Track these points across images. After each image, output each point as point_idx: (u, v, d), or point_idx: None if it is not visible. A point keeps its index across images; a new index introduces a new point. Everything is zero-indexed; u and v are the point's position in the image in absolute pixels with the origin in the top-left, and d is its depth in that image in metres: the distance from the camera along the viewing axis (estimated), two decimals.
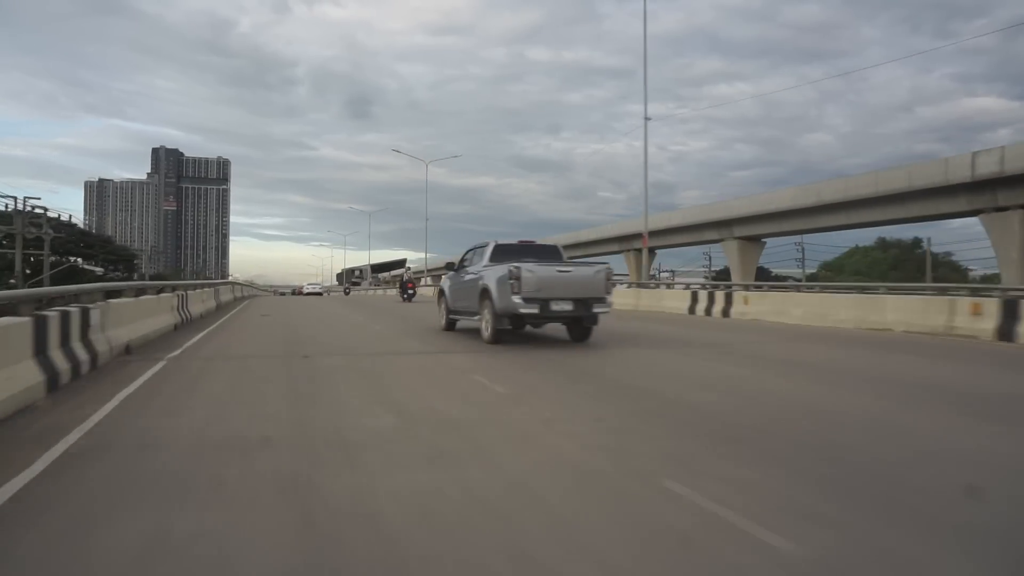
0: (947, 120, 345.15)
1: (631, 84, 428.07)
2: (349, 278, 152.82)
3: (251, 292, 45.58)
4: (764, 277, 53.57)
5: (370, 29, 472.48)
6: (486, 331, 9.55)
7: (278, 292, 76.06)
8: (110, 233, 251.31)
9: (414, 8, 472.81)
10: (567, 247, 67.53)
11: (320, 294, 55.58)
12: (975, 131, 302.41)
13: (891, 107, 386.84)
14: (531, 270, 8.91)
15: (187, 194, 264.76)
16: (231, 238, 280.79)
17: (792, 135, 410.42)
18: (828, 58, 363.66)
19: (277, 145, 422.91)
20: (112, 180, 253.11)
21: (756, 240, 46.18)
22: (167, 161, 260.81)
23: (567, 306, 9.04)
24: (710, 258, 60.94)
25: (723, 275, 65.75)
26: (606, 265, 9.55)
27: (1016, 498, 3.14)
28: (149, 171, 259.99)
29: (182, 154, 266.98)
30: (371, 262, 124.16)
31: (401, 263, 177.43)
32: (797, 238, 49.89)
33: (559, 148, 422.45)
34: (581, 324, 9.72)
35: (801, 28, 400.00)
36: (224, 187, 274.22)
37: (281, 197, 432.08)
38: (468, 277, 10.55)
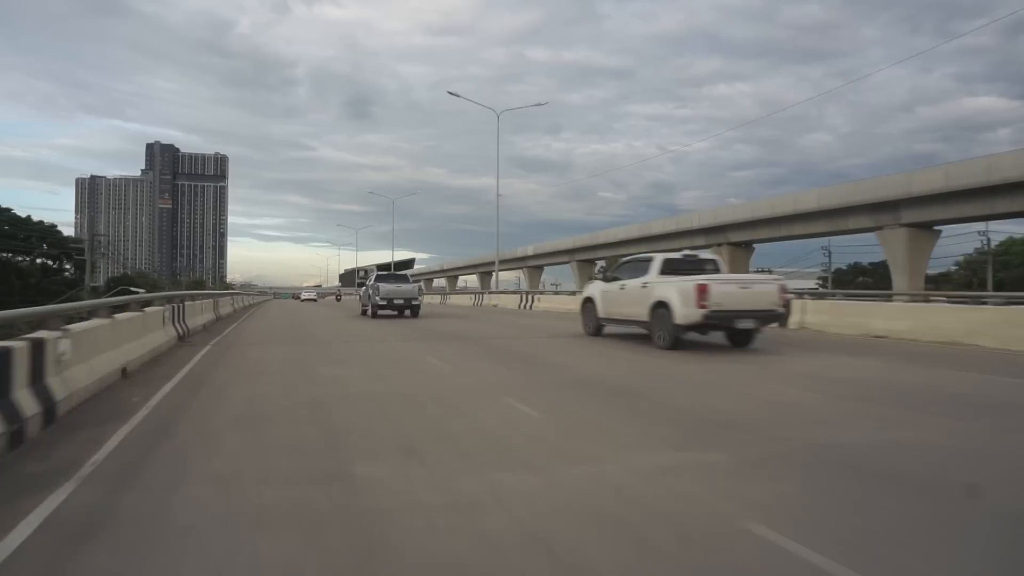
0: (947, 120, 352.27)
1: (631, 84, 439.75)
2: (353, 280, 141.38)
3: (246, 302, 34.71)
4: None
5: (370, 29, 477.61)
6: (368, 311, 21.50)
7: (279, 295, 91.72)
8: (102, 233, 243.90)
9: (414, 8, 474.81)
10: (635, 241, 54.87)
11: (315, 300, 64.63)
12: (975, 131, 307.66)
13: (891, 107, 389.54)
14: (384, 286, 20.33)
15: (183, 192, 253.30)
16: (230, 239, 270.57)
17: (792, 135, 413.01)
18: (828, 58, 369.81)
19: (277, 146, 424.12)
20: (105, 177, 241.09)
21: (929, 228, 33.91)
22: (162, 157, 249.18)
23: (400, 301, 20.09)
24: (830, 254, 48.43)
25: (839, 277, 53.19)
26: (419, 284, 25.23)
27: None
28: (144, 168, 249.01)
29: (178, 150, 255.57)
30: (386, 261, 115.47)
31: (410, 263, 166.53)
32: (980, 226, 37.46)
33: (559, 148, 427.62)
34: (411, 309, 20.34)
35: (801, 28, 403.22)
36: (222, 184, 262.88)
37: (281, 198, 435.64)
38: (365, 288, 23.08)
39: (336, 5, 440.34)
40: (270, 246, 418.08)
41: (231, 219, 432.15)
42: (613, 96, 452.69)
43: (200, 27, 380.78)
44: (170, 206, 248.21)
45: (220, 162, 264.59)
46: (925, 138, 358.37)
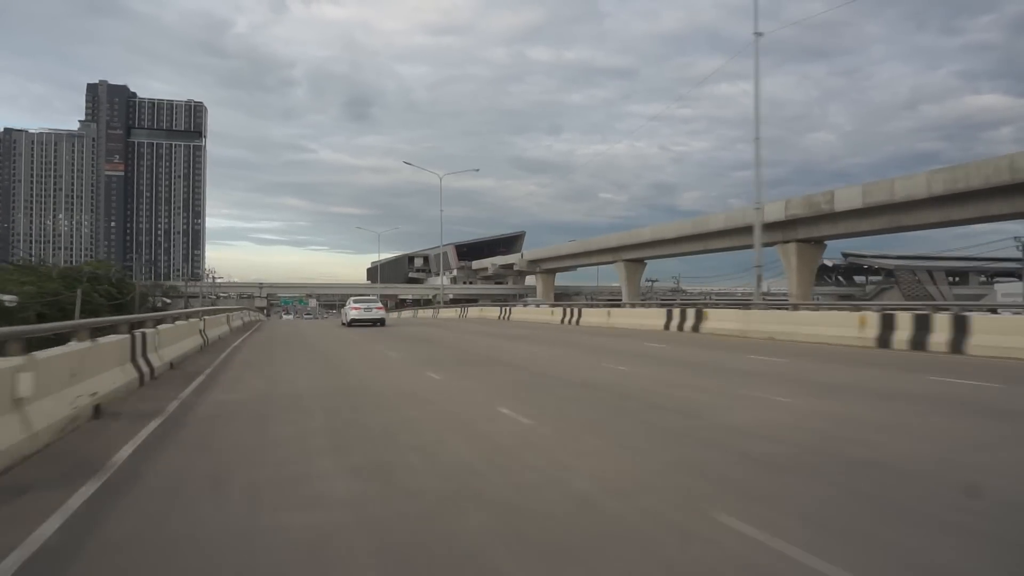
0: (951, 118, 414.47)
1: (633, 84, 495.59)
2: (401, 274, 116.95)
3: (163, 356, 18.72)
4: None
5: (369, 29, 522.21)
6: (344, 323, 38.53)
7: (278, 304, 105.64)
8: (23, 208, 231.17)
9: (413, 7, 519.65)
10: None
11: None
12: (978, 129, 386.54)
13: (895, 105, 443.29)
14: (352, 305, 38.01)
15: (141, 153, 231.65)
16: (228, 242, 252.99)
17: (794, 134, 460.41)
18: (831, 56, 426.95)
19: (275, 148, 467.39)
20: (26, 131, 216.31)
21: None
22: (110, 104, 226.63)
23: (368, 319, 36.45)
24: None
25: None
26: (382, 307, 42.29)
27: None
28: (84, 118, 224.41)
29: (134, 95, 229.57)
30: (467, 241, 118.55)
31: (516, 241, 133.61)
32: None
33: (560, 149, 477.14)
34: (375, 324, 35.07)
35: (804, 25, 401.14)
36: (197, 144, 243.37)
37: (279, 201, 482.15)
38: (346, 307, 40.18)
39: (335, 4, 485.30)
40: (269, 250, 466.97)
41: (229, 223, 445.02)
42: (615, 96, 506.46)
43: (197, 27, 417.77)
44: (122, 172, 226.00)
45: (194, 112, 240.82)
46: (927, 136, 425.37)
